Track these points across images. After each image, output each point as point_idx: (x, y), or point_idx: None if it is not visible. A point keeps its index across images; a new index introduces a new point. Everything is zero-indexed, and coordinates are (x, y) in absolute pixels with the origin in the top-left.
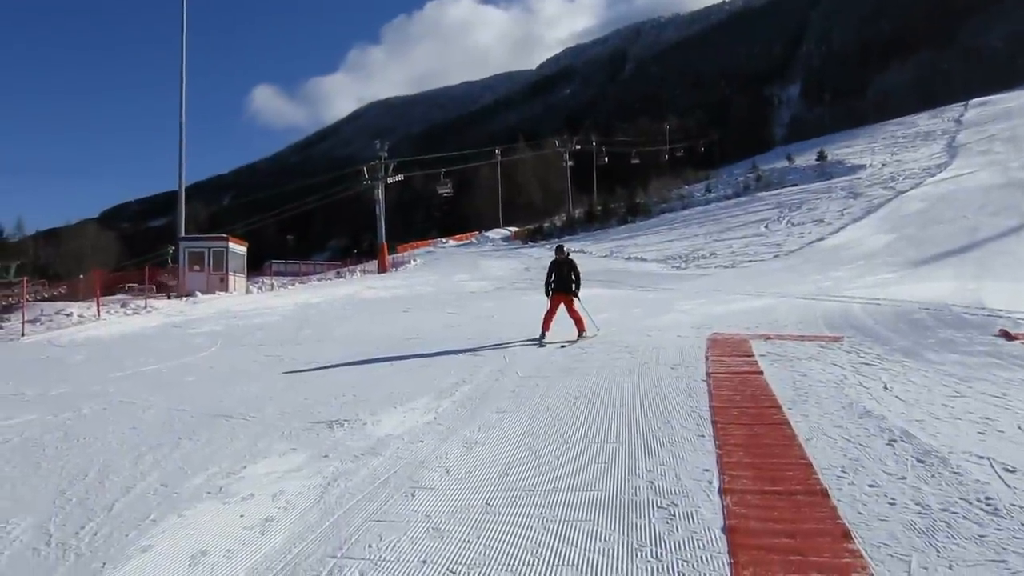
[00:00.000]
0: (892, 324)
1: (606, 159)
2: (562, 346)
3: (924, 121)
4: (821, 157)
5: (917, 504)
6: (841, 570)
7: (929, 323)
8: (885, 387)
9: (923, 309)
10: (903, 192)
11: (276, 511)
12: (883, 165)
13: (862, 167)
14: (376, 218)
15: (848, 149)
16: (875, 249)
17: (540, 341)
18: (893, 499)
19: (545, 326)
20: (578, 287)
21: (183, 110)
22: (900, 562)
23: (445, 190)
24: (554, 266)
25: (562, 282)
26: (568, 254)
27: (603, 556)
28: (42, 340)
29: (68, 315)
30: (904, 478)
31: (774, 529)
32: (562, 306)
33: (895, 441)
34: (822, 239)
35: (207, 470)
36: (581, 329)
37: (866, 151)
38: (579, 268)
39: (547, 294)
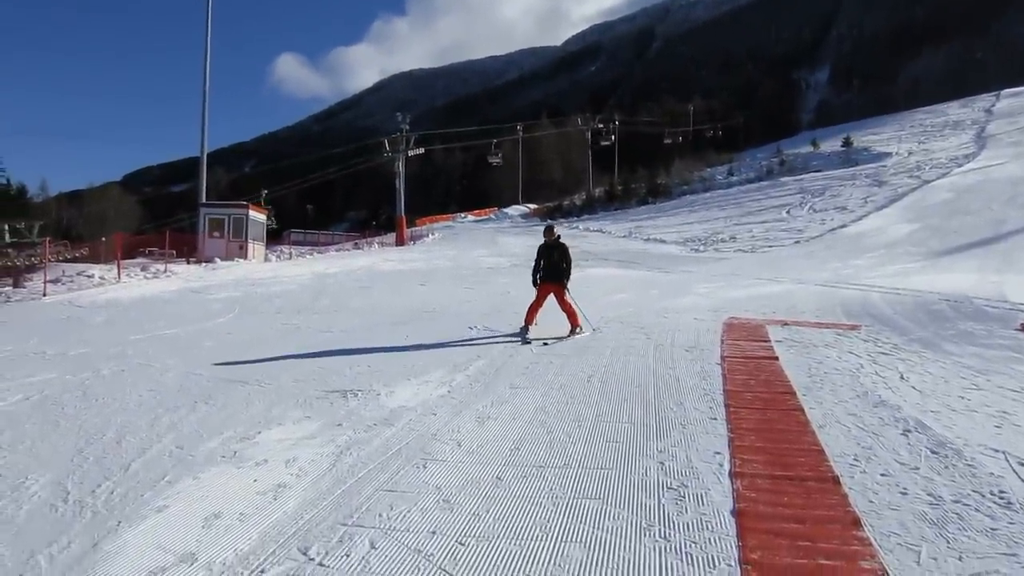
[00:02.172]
0: (911, 314)
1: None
2: (545, 343)
3: (954, 110)
4: (847, 143)
5: (929, 495)
6: (849, 557)
7: (949, 314)
8: (901, 377)
9: (944, 300)
10: (929, 182)
11: (289, 477)
12: (910, 154)
13: (888, 155)
14: (395, 191)
15: (875, 136)
16: (897, 238)
17: (522, 337)
18: (905, 489)
19: (529, 319)
20: (568, 276)
21: (207, 77)
22: (910, 552)
23: (495, 160)
24: (543, 251)
25: (552, 269)
26: (559, 237)
27: (611, 534)
28: (63, 300)
29: (89, 277)
30: (917, 468)
31: (784, 514)
32: (551, 297)
33: (909, 431)
34: (844, 226)
35: (222, 434)
36: (574, 323)
37: (893, 139)
38: (570, 254)
39: (534, 283)
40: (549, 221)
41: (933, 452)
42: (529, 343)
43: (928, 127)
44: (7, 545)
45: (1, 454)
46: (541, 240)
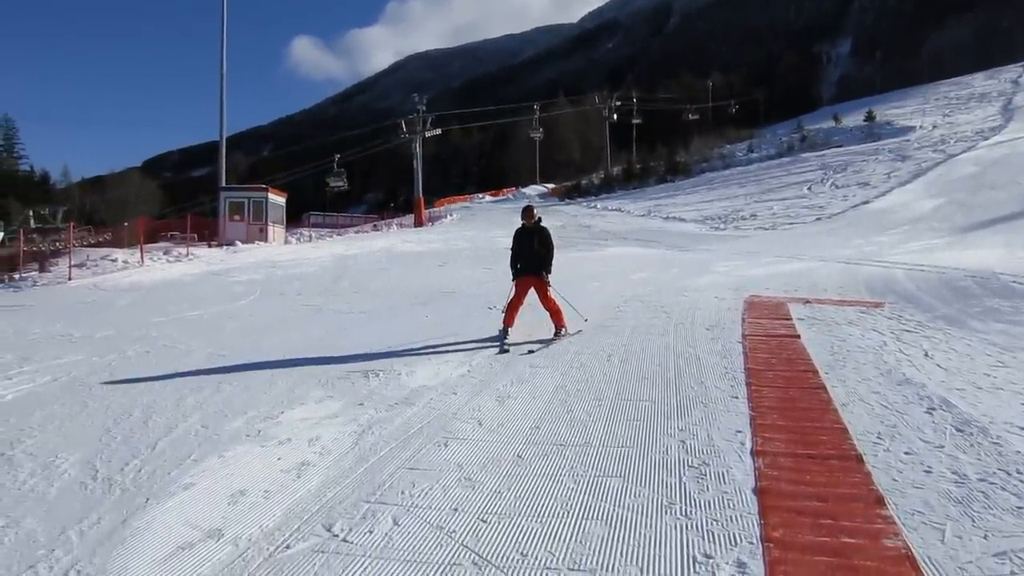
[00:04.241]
0: (936, 291)
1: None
2: (530, 351)
3: (979, 82)
4: (869, 118)
5: (954, 473)
6: (873, 535)
7: (975, 291)
8: (926, 354)
9: (969, 277)
10: (954, 155)
11: (312, 455)
12: (934, 127)
13: (912, 129)
14: (413, 172)
15: (898, 110)
16: (922, 214)
17: (501, 342)
18: (929, 467)
19: (508, 320)
20: (550, 266)
21: (223, 62)
22: (934, 530)
23: (536, 134)
24: (521, 237)
25: (531, 259)
26: (539, 219)
27: (632, 512)
28: (88, 284)
29: (113, 261)
30: (942, 447)
31: (806, 492)
32: (533, 293)
33: (934, 409)
34: (867, 202)
35: (246, 414)
36: (559, 323)
37: (917, 112)
38: (552, 239)
39: (513, 277)
40: (527, 201)
41: (958, 430)
42: (507, 351)
43: (953, 99)
44: (40, 521)
45: (32, 434)
46: (559, 223)
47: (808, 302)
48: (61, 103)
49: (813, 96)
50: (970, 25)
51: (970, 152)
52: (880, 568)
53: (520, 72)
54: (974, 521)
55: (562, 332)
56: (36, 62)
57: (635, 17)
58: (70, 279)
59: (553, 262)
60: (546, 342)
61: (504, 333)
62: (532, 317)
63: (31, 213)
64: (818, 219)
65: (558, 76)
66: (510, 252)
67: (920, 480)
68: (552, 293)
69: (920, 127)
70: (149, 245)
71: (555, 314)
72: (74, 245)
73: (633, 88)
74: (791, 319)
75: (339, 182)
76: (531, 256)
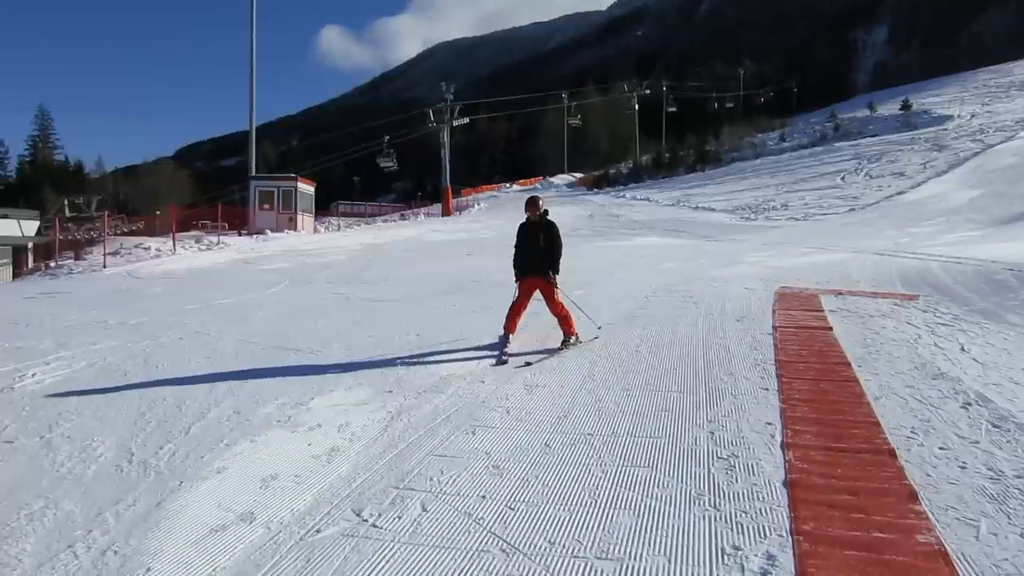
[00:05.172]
0: (972, 284)
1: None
2: (528, 363)
3: (1021, 70)
4: (905, 106)
5: (989, 469)
6: (905, 531)
7: (1013, 284)
8: (962, 348)
9: (1007, 269)
10: (993, 145)
11: (342, 441)
12: (972, 116)
13: (949, 118)
14: (441, 161)
15: (935, 98)
16: (958, 205)
17: (500, 352)
18: (964, 463)
19: (509, 326)
20: (557, 264)
21: (253, 52)
22: (968, 527)
23: (575, 121)
24: (524, 233)
25: (536, 258)
26: (545, 212)
27: (661, 502)
28: (122, 272)
29: (146, 249)
30: (977, 442)
31: (837, 486)
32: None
33: (970, 404)
34: (901, 193)
35: (277, 400)
36: (569, 331)
37: (955, 101)
38: (560, 235)
39: (517, 276)
40: (532, 192)
41: (994, 426)
42: (506, 362)
43: (992, 88)
44: (77, 503)
45: (69, 418)
46: (587, 213)
47: (840, 294)
48: (95, 94)
49: (847, 84)
50: (1012, 10)
51: (1010, 142)
52: (912, 564)
53: (548, 60)
54: (1010, 518)
55: (571, 340)
56: (71, 53)
57: (664, 4)
58: (105, 267)
59: (561, 261)
60: (553, 352)
61: (504, 340)
62: (536, 325)
63: (66, 202)
64: (851, 210)
65: (587, 64)
66: (514, 248)
67: (955, 476)
68: (560, 296)
69: (958, 116)
70: (181, 234)
71: (563, 320)
72: (108, 234)
73: (663, 76)
74: (823, 311)
75: (389, 162)
76: (535, 254)
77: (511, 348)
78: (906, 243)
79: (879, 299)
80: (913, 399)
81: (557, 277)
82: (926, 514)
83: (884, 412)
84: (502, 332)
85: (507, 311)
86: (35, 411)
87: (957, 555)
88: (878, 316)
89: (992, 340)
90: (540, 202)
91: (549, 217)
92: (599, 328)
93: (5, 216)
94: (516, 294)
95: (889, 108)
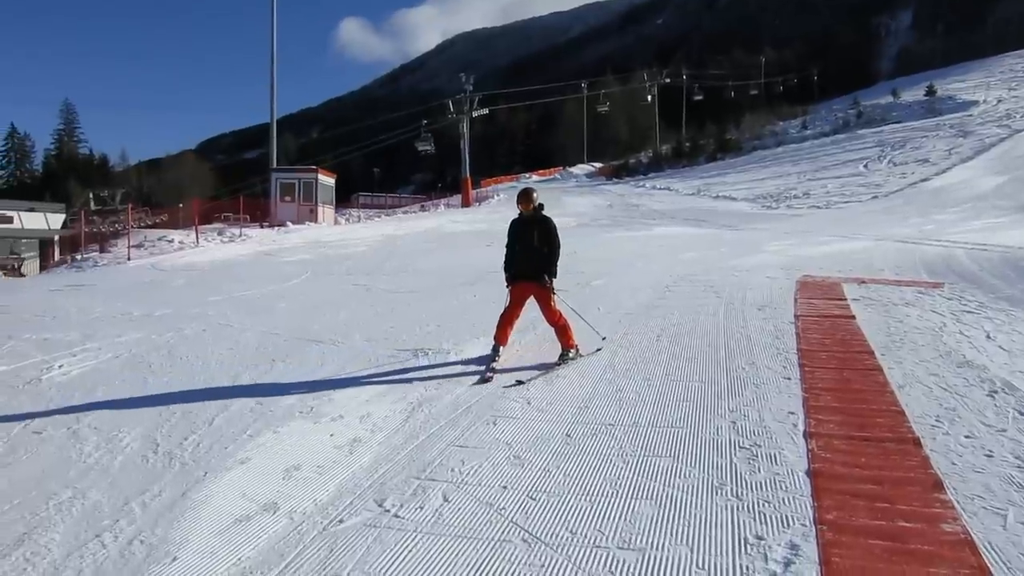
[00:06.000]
0: (998, 271)
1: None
2: (519, 381)
3: None
4: (930, 92)
5: (1017, 458)
6: (931, 520)
7: None
8: (988, 336)
9: None
10: (1020, 131)
11: (364, 432)
12: (999, 101)
13: (974, 103)
14: (460, 152)
15: (961, 84)
16: (984, 192)
17: (488, 366)
18: (991, 451)
19: (501, 336)
20: (555, 269)
21: (273, 45)
22: (995, 516)
23: (603, 107)
24: (517, 229)
25: (530, 259)
26: (540, 207)
27: (683, 492)
28: (146, 264)
29: (169, 241)
30: (1004, 430)
31: (861, 475)
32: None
33: (996, 392)
34: (926, 180)
35: (299, 391)
36: (568, 342)
37: (980, 86)
38: (558, 233)
39: (507, 279)
40: (525, 183)
41: (1022, 413)
42: (490, 379)
43: (1020, 72)
44: (104, 493)
45: (96, 409)
46: (606, 202)
47: (863, 282)
48: (119, 88)
49: (871, 70)
50: None
51: None
52: (938, 553)
53: (568, 50)
54: None
55: (570, 354)
56: (95, 47)
57: None
58: (129, 259)
59: (559, 263)
60: (548, 368)
61: (494, 353)
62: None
63: (91, 195)
64: (874, 197)
65: (607, 53)
66: (505, 248)
67: (981, 464)
68: (557, 304)
69: (984, 101)
70: (203, 226)
71: (561, 331)
72: (132, 226)
73: (683, 64)
74: (845, 299)
75: (427, 145)
76: (529, 255)
77: (499, 363)
78: (931, 230)
79: (903, 287)
80: (938, 387)
81: (554, 281)
82: (952, 503)
83: (908, 401)
84: (493, 343)
85: (497, 320)
86: (63, 402)
87: (984, 544)
88: (902, 304)
89: (1019, 328)
90: (535, 195)
91: (549, 214)
92: (603, 339)
93: (32, 209)
94: (507, 300)
95: (913, 94)
